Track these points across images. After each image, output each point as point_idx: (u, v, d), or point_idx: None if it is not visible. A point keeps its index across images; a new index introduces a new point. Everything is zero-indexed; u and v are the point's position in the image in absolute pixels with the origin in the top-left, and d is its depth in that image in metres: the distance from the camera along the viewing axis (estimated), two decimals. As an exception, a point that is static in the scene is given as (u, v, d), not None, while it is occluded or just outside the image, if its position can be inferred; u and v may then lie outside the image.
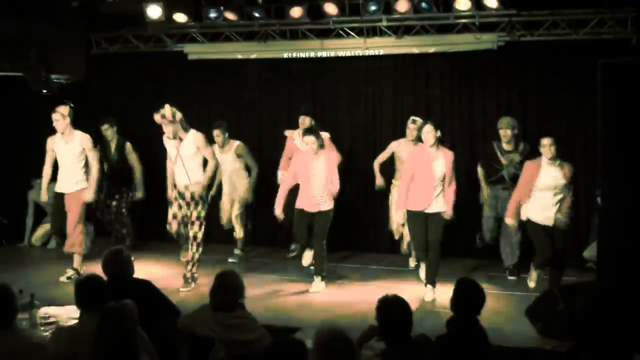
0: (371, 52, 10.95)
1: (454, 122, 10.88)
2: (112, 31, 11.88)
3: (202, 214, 8.93)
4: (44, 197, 9.73)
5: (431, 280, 8.62)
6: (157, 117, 8.79)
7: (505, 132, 9.55)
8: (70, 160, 9.42)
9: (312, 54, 11.21)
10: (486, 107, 10.69)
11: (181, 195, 8.94)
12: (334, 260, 10.40)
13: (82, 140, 9.43)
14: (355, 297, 8.69)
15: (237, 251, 10.64)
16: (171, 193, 9.08)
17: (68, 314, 6.07)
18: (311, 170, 8.93)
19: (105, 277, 5.59)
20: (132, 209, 10.94)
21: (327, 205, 9.00)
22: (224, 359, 5.01)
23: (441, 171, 8.44)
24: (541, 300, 7.29)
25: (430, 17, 10.42)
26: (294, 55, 11.28)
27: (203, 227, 8.98)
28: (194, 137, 8.90)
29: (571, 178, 8.34)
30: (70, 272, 9.36)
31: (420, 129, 8.69)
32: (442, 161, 8.46)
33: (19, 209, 11.72)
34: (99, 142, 10.38)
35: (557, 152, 8.27)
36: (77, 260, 9.48)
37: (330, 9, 10.46)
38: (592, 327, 4.44)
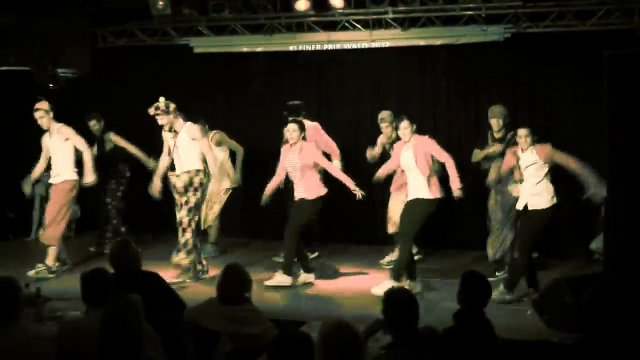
0: (377, 45, 10.95)
1: (459, 114, 10.88)
2: (118, 25, 11.88)
3: (192, 200, 8.97)
4: (26, 188, 9.75)
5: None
6: (151, 110, 8.95)
7: (497, 122, 9.40)
8: (56, 152, 9.43)
9: (318, 47, 11.21)
10: (492, 99, 10.62)
11: (173, 186, 9.08)
12: (339, 252, 10.43)
13: (61, 129, 9.40)
14: (360, 290, 8.67)
15: (210, 246, 10.62)
16: (157, 185, 9.18)
17: (74, 308, 6.07)
18: (290, 161, 9.01)
19: (112, 270, 5.60)
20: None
21: (305, 194, 8.98)
22: (230, 352, 5.01)
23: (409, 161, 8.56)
24: (548, 292, 7.27)
25: (436, 8, 10.40)
26: (300, 48, 11.28)
27: (191, 214, 8.99)
28: (189, 128, 9.04)
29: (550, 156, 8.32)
30: (40, 267, 9.23)
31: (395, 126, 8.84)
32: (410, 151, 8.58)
33: (25, 203, 11.72)
34: (89, 138, 10.36)
35: (532, 142, 8.31)
36: (51, 254, 9.32)
37: (336, 1, 10.46)
38: (599, 318, 4.43)
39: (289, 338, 3.93)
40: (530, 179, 8.30)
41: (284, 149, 9.23)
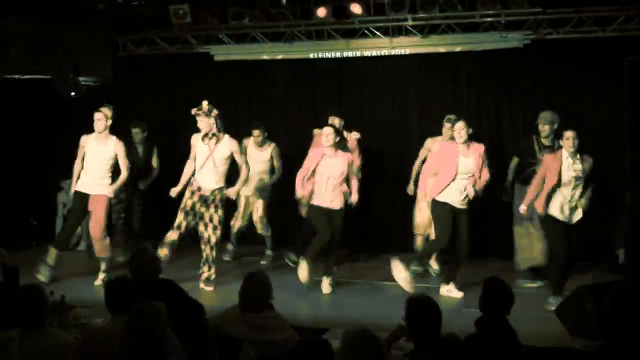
0: (397, 52, 10.97)
1: (480, 121, 10.85)
2: (139, 33, 11.95)
3: (216, 217, 9.02)
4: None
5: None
6: (193, 110, 8.95)
7: (543, 127, 9.30)
8: (100, 161, 9.38)
9: (338, 54, 11.24)
10: (512, 106, 10.65)
11: (202, 198, 9.00)
12: (362, 260, 10.42)
13: (116, 145, 9.37)
14: (384, 297, 8.67)
15: (268, 252, 10.69)
16: (178, 190, 9.15)
17: (98, 315, 6.11)
18: (326, 167, 8.94)
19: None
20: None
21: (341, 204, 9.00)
22: (253, 360, 5.03)
23: (470, 166, 8.56)
24: (571, 300, 7.24)
25: (456, 15, 10.40)
26: (320, 55, 11.31)
27: (218, 231, 9.07)
28: (229, 142, 9.05)
29: (589, 172, 8.33)
30: (102, 276, 9.40)
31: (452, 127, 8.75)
32: (472, 157, 8.57)
33: (48, 211, 11.82)
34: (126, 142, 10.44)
35: (579, 146, 8.29)
36: (105, 264, 9.49)
37: (356, 8, 10.46)
38: (621, 325, 4.42)
39: (308, 346, 3.94)
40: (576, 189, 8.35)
41: (317, 152, 9.18)
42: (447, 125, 9.57)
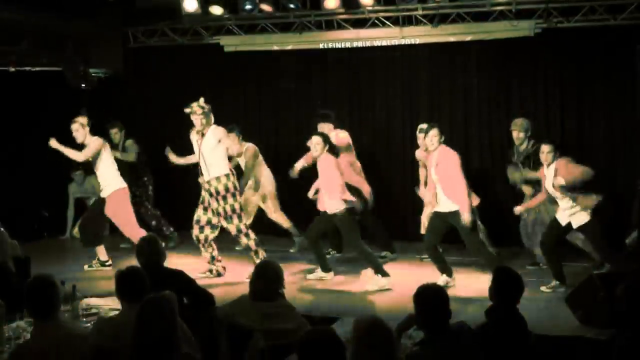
0: (407, 41, 10.92)
1: (491, 110, 10.82)
2: (149, 24, 11.96)
3: (236, 205, 8.98)
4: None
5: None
6: (187, 110, 8.96)
7: (518, 135, 9.29)
8: (96, 166, 9.56)
9: (348, 44, 11.21)
10: (523, 95, 10.61)
11: (208, 192, 9.05)
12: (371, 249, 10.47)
13: (93, 143, 9.48)
14: (394, 286, 8.68)
15: (297, 239, 10.67)
16: (175, 158, 9.45)
17: (109, 306, 6.14)
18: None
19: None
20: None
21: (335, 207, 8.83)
22: (263, 349, 5.04)
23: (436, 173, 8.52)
24: (581, 289, 7.24)
25: (466, 4, 10.37)
26: (330, 45, 11.28)
27: (243, 219, 9.05)
28: (214, 131, 9.00)
29: (572, 175, 8.10)
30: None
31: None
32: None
33: (59, 202, 11.87)
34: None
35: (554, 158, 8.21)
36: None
37: (366, -2, 10.45)
38: (632, 314, 4.42)
39: (316, 336, 3.95)
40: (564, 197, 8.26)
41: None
42: (420, 135, 9.46)
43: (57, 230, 11.91)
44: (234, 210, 8.97)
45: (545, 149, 8.22)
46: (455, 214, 8.37)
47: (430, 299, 4.53)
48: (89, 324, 5.67)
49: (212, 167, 8.97)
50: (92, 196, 11.31)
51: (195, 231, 9.17)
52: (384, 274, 8.66)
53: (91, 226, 9.80)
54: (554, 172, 8.15)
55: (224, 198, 8.95)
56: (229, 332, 5.24)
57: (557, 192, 8.14)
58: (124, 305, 4.98)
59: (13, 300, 5.57)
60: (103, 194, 9.57)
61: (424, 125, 9.28)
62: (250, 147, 10.36)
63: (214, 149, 8.96)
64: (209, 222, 9.11)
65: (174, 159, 9.39)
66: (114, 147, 10.66)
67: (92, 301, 6.46)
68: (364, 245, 8.87)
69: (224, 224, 9.05)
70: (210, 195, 9.01)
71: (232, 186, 8.99)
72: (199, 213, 9.15)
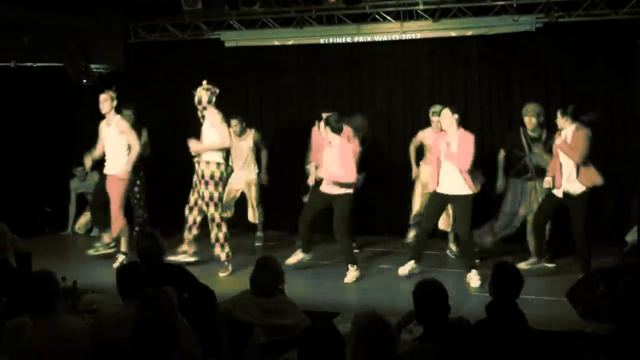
0: (408, 36, 10.92)
1: (492, 105, 10.82)
2: (150, 20, 11.96)
3: (215, 194, 9.13)
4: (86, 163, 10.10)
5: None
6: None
7: (530, 120, 9.20)
8: (111, 142, 9.61)
9: (349, 39, 11.19)
10: (525, 89, 10.60)
11: (197, 172, 9.26)
12: (372, 245, 10.45)
13: (118, 123, 9.58)
14: (392, 282, 8.69)
15: (259, 233, 10.89)
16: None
17: (110, 301, 6.14)
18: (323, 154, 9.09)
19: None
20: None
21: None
22: (263, 344, 5.05)
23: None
24: (582, 283, 7.24)
25: (467, -1, 10.38)
26: (331, 40, 11.26)
27: (219, 209, 9.19)
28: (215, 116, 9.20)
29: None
30: (121, 258, 9.49)
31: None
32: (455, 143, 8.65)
33: (61, 198, 11.88)
34: None
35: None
36: (124, 243, 9.63)
37: (366, -7, 10.44)
38: (633, 309, 4.42)
39: (317, 332, 3.95)
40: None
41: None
42: (433, 118, 9.57)
43: (58, 225, 11.92)
44: (211, 198, 9.12)
45: (558, 113, 8.66)
46: (457, 198, 8.59)
47: (429, 294, 4.54)
48: (89, 319, 5.68)
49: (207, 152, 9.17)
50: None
51: (186, 211, 9.41)
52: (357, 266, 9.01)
53: (99, 205, 9.93)
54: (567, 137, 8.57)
55: (206, 184, 9.11)
56: (230, 328, 5.25)
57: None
58: (124, 300, 4.99)
59: (14, 296, 5.59)
60: (108, 171, 9.65)
61: (437, 108, 9.45)
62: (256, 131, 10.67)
63: (208, 134, 9.16)
64: (196, 204, 9.33)
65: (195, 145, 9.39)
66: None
67: (92, 297, 6.47)
68: (347, 236, 9.07)
69: (203, 207, 9.21)
70: (201, 175, 9.17)
71: (218, 175, 9.14)
72: (190, 196, 9.38)
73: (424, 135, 9.94)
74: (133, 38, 12.17)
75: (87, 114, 10.69)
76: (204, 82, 9.18)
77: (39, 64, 11.15)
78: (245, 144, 10.63)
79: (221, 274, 9.14)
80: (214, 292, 6.08)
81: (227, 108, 9.85)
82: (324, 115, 9.49)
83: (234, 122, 10.37)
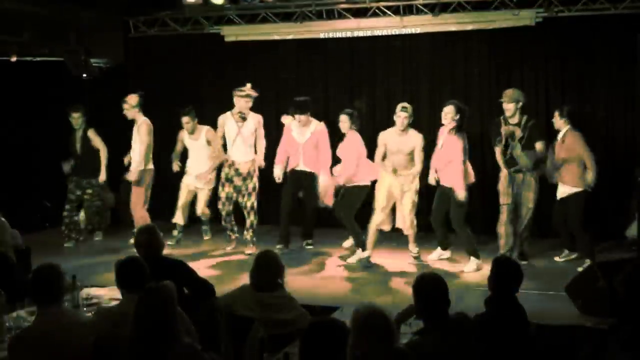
0: (408, 31, 10.91)
1: (492, 100, 10.79)
2: (150, 14, 11.95)
3: (256, 185, 9.96)
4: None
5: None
6: (240, 93, 9.83)
7: (507, 106, 9.01)
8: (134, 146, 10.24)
9: (349, 34, 11.19)
10: (524, 84, 10.58)
11: (237, 172, 9.89)
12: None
13: (140, 127, 10.13)
14: (394, 275, 8.69)
15: (205, 227, 10.95)
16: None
17: (109, 295, 6.14)
18: None
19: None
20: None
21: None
22: (263, 339, 5.05)
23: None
24: (581, 277, 7.26)
25: (468, -7, 10.37)
26: (331, 35, 11.27)
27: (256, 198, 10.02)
28: (258, 118, 10.01)
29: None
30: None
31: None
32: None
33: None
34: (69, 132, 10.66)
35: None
36: None
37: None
38: (632, 303, 4.42)
39: (322, 325, 3.94)
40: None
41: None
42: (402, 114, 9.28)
43: (58, 220, 11.90)
44: (255, 189, 9.92)
45: (556, 114, 9.07)
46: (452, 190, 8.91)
47: (430, 288, 4.53)
48: (89, 314, 5.68)
49: (249, 150, 9.95)
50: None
51: (219, 205, 10.05)
52: (364, 248, 9.28)
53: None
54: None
55: (249, 178, 9.88)
56: (229, 322, 5.26)
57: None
58: (123, 295, 4.99)
59: (14, 291, 5.59)
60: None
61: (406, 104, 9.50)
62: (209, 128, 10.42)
63: (252, 135, 9.94)
64: (228, 198, 9.95)
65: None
66: (72, 134, 10.75)
67: (92, 291, 6.46)
68: (353, 220, 9.46)
69: (241, 199, 9.91)
70: (240, 175, 9.88)
71: (255, 169, 9.93)
72: (221, 191, 10.00)
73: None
74: (133, 32, 12.16)
75: (87, 107, 10.67)
76: (248, 85, 9.78)
77: (39, 58, 11.14)
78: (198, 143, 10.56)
79: (248, 252, 9.79)
80: (214, 287, 6.08)
81: (226, 102, 9.88)
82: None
83: (185, 119, 10.30)
